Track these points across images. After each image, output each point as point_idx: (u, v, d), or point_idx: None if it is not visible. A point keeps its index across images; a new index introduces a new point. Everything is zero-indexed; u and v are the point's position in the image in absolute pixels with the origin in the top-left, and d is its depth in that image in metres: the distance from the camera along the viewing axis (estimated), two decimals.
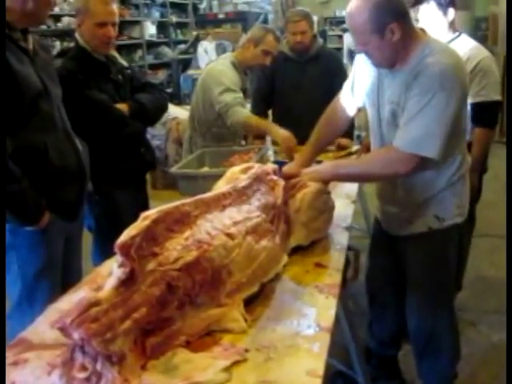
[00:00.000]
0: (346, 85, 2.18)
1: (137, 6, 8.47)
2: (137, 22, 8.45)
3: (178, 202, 1.38)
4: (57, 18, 6.82)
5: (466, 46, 2.66)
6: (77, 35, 2.44)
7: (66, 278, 2.07)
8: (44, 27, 6.46)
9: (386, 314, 2.36)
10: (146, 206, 2.68)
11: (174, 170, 2.52)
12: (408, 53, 1.80)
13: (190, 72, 7.23)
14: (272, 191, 1.75)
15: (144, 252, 1.22)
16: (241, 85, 3.12)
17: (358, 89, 2.10)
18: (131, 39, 8.32)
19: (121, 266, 1.17)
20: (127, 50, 8.32)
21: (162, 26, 9.27)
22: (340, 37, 10.09)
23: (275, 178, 1.82)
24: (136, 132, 2.51)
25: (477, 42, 2.81)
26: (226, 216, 1.48)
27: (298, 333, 1.32)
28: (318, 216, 1.85)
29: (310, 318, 1.38)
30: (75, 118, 2.13)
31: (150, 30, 8.73)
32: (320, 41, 3.51)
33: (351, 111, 2.20)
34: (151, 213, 1.27)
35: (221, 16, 8.23)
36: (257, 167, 1.83)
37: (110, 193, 2.47)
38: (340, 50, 8.09)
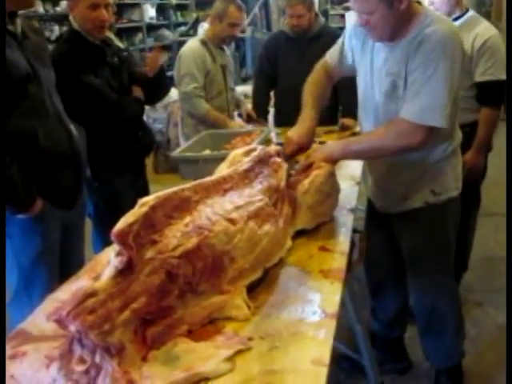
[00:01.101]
0: (334, 50, 2.15)
1: None
2: (136, 5, 8.33)
3: (176, 188, 1.34)
4: (55, 2, 6.72)
5: (474, 23, 2.61)
6: (71, 19, 2.39)
7: (68, 266, 2.04)
8: (42, 11, 6.37)
9: (387, 294, 2.33)
10: (145, 191, 2.64)
11: (174, 153, 2.47)
12: (410, 23, 1.78)
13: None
14: (275, 173, 1.71)
15: (142, 240, 1.18)
16: (211, 63, 3.19)
17: (348, 59, 2.08)
18: (131, 22, 8.22)
19: (118, 254, 1.14)
20: (127, 33, 8.22)
21: (161, 9, 9.14)
22: (342, 16, 9.94)
23: (278, 160, 1.77)
24: (134, 115, 2.47)
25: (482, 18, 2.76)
26: (227, 201, 1.44)
27: (302, 319, 1.28)
28: (324, 200, 1.80)
29: (314, 304, 1.35)
30: (71, 103, 2.08)
31: (150, 12, 8.61)
32: (321, 20, 3.44)
33: (337, 76, 2.20)
34: (149, 199, 1.23)
35: None
36: (259, 149, 1.79)
37: (109, 178, 2.44)
38: (342, 29, 7.95)
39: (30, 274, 1.97)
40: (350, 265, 1.72)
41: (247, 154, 1.75)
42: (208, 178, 1.48)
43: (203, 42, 3.21)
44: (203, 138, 2.80)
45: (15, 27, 1.83)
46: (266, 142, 2.78)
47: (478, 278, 3.26)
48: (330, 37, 3.40)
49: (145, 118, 4.47)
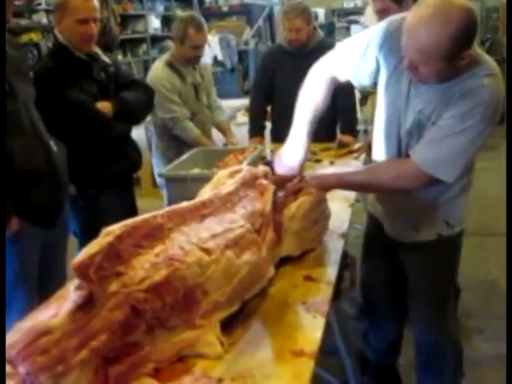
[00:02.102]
0: (349, 52, 1.79)
1: (141, 0, 8.33)
2: (141, 16, 8.31)
3: (148, 214, 1.26)
4: None
5: None
6: (56, 32, 2.33)
7: (47, 288, 1.96)
8: (46, 22, 6.34)
9: (384, 322, 2.22)
10: (132, 208, 2.56)
11: (162, 171, 2.40)
12: (463, 71, 1.59)
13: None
14: (261, 197, 1.63)
15: (106, 272, 1.10)
16: (180, 84, 3.10)
17: (368, 67, 1.76)
18: (135, 33, 8.18)
19: (77, 288, 1.06)
20: (131, 44, 8.19)
21: (166, 20, 9.12)
22: (348, 29, 9.91)
23: (265, 182, 1.69)
24: (121, 133, 2.39)
25: (488, 34, 2.65)
26: (204, 228, 1.36)
27: (278, 359, 1.20)
28: (311, 226, 1.73)
29: (293, 341, 1.26)
30: (53, 118, 2.01)
31: (154, 23, 8.59)
32: (320, 33, 3.36)
33: (338, 83, 1.87)
34: (115, 228, 1.15)
35: (225, 9, 8.07)
36: (245, 171, 1.71)
37: (95, 196, 2.36)
38: None
39: (8, 296, 1.89)
40: (339, 292, 1.64)
41: (232, 175, 1.68)
42: (185, 203, 1.40)
43: (168, 64, 3.10)
44: (195, 155, 2.73)
45: None
46: (261, 159, 2.71)
47: (478, 302, 3.15)
48: (328, 51, 3.34)
49: (143, 131, 4.40)
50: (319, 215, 1.75)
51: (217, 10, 8.26)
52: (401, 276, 2.02)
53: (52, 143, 1.95)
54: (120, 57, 7.67)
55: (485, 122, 1.56)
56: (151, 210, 1.33)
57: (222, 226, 1.39)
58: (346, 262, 1.77)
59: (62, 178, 1.99)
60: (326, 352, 1.28)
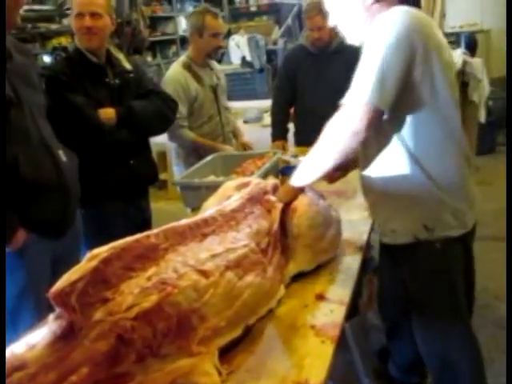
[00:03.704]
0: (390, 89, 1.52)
1: (170, 2, 8.32)
2: (170, 18, 8.31)
3: (141, 234, 1.18)
4: None
5: None
6: (75, 37, 2.30)
7: None
8: None
9: (402, 336, 2.07)
10: (142, 222, 2.46)
11: (177, 179, 2.33)
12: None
13: (222, 67, 7.04)
14: (268, 214, 1.53)
15: (90, 299, 1.03)
16: (196, 87, 3.02)
17: (421, 91, 1.59)
18: (165, 35, 8.19)
19: (57, 318, 0.98)
20: (161, 46, 8.20)
21: None
22: None
23: (273, 198, 1.58)
24: (121, 141, 2.29)
25: None
26: (203, 248, 1.27)
27: None
28: (322, 234, 1.61)
29: (298, 371, 1.16)
30: (60, 125, 1.96)
31: (184, 25, 8.54)
32: (341, 35, 3.23)
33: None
34: (102, 250, 1.07)
35: (253, 8, 7.97)
36: (253, 184, 1.61)
37: (97, 205, 2.29)
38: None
39: (15, 309, 1.84)
40: (356, 310, 1.53)
41: (239, 188, 1.58)
42: (185, 221, 1.31)
43: (186, 66, 3.02)
44: (213, 161, 2.65)
45: None
46: (278, 166, 2.61)
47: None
48: (351, 52, 3.22)
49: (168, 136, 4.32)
50: (324, 218, 1.63)
51: (246, 10, 8.17)
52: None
53: (61, 153, 1.89)
54: (149, 58, 7.68)
55: (394, 41, 1.48)
56: (178, 212, 1.26)
57: (224, 246, 1.30)
58: (364, 276, 1.63)
59: (72, 188, 1.93)
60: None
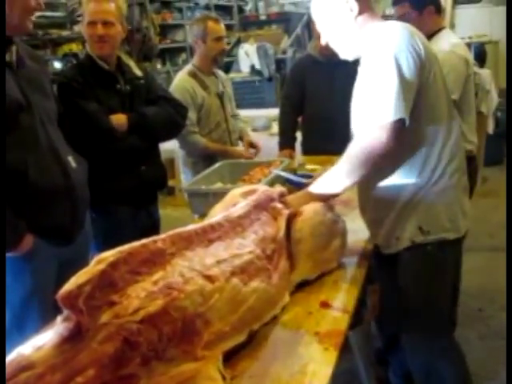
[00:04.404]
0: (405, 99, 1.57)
1: (180, 10, 8.39)
2: (180, 26, 8.36)
3: (148, 239, 1.20)
4: None
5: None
6: (87, 43, 2.34)
7: None
8: None
9: (400, 347, 2.06)
10: (152, 225, 2.48)
11: (184, 186, 2.35)
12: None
13: (231, 75, 7.07)
14: (274, 221, 1.54)
15: (97, 302, 1.04)
16: (203, 95, 3.06)
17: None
18: (174, 43, 8.25)
19: (64, 319, 1.00)
20: (170, 53, 8.26)
21: None
22: None
23: (279, 205, 1.60)
24: (133, 147, 2.32)
25: None
26: (209, 253, 1.29)
27: None
28: (325, 244, 1.63)
29: (301, 377, 1.17)
30: (72, 131, 1.99)
31: None
32: None
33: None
34: (109, 254, 1.09)
35: (263, 17, 8.02)
36: (260, 192, 1.63)
37: (106, 210, 2.31)
38: None
39: (21, 313, 1.85)
40: (360, 319, 1.54)
41: (246, 195, 1.60)
42: (191, 226, 1.33)
43: (192, 74, 3.07)
44: (220, 169, 2.67)
45: (10, 55, 1.75)
46: (293, 171, 2.61)
47: None
48: (359, 61, 3.23)
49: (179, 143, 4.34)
50: (329, 230, 1.64)
51: (255, 19, 8.22)
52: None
53: (71, 159, 1.90)
54: (159, 66, 7.74)
55: (393, 52, 1.55)
56: (185, 219, 1.28)
57: (229, 252, 1.32)
58: (369, 285, 1.64)
59: (80, 194, 1.94)
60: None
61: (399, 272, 1.76)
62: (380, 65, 1.56)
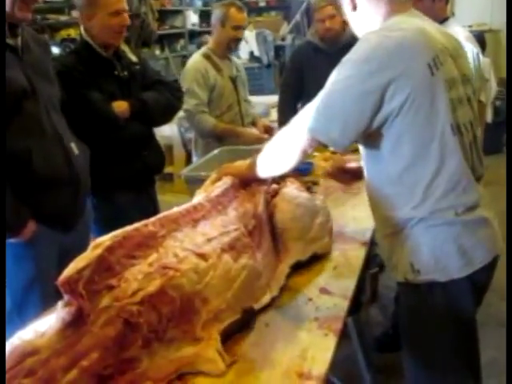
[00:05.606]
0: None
1: None
2: (179, 12, 8.30)
3: (139, 223, 1.20)
4: None
5: None
6: (82, 30, 2.30)
7: None
8: None
9: None
10: (153, 210, 2.49)
11: (183, 172, 2.34)
12: None
13: None
14: (252, 198, 1.56)
15: (97, 286, 1.05)
16: (216, 77, 3.07)
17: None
18: (173, 29, 8.18)
19: (66, 305, 1.00)
20: (169, 39, 8.19)
21: (204, 15, 9.07)
22: None
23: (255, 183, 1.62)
24: (136, 134, 2.32)
25: None
26: (198, 233, 1.30)
27: (284, 382, 1.12)
28: (309, 224, 1.64)
29: (301, 362, 1.18)
30: (74, 118, 1.98)
31: (193, 19, 8.55)
32: (351, 29, 3.23)
33: None
34: (105, 239, 1.09)
35: (262, 4, 7.97)
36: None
37: (108, 196, 2.31)
38: None
39: (22, 299, 1.86)
40: (358, 306, 1.54)
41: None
42: (176, 209, 1.34)
43: (206, 56, 3.09)
44: (220, 155, 2.66)
45: (15, 40, 1.74)
46: None
47: None
48: None
49: (176, 127, 4.32)
50: (307, 210, 1.65)
51: (254, 5, 8.17)
52: None
53: (73, 146, 1.90)
54: (158, 52, 7.69)
55: (358, 72, 1.30)
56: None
57: (217, 230, 1.34)
58: (367, 272, 1.64)
59: (83, 181, 1.94)
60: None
61: (400, 300, 1.60)
62: (341, 67, 1.35)
